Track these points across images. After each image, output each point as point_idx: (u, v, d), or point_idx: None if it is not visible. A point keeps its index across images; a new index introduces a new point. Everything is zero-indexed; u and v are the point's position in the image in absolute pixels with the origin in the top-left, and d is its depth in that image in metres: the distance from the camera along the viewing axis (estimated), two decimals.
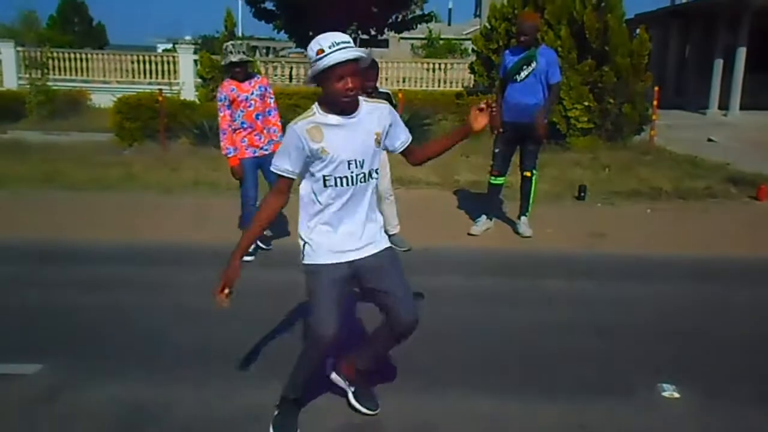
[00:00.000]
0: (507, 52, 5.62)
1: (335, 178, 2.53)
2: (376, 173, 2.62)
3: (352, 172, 2.53)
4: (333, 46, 2.39)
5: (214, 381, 3.33)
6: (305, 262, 2.64)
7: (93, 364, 3.51)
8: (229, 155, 5.11)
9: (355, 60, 2.40)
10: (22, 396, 3.18)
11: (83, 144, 10.72)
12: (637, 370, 3.48)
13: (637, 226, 6.49)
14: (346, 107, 2.50)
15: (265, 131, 5.20)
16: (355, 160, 2.53)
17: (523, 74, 5.33)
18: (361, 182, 2.57)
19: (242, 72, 5.09)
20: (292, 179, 2.57)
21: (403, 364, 3.37)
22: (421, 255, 5.23)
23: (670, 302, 4.49)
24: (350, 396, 3.02)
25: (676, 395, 3.21)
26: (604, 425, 2.97)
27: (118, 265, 5.17)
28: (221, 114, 5.09)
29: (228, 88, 5.08)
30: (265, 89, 5.20)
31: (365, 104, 2.58)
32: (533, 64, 5.30)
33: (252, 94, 5.10)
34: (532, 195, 5.80)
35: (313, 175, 2.55)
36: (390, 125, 2.65)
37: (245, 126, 5.11)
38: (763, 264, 5.29)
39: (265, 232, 5.38)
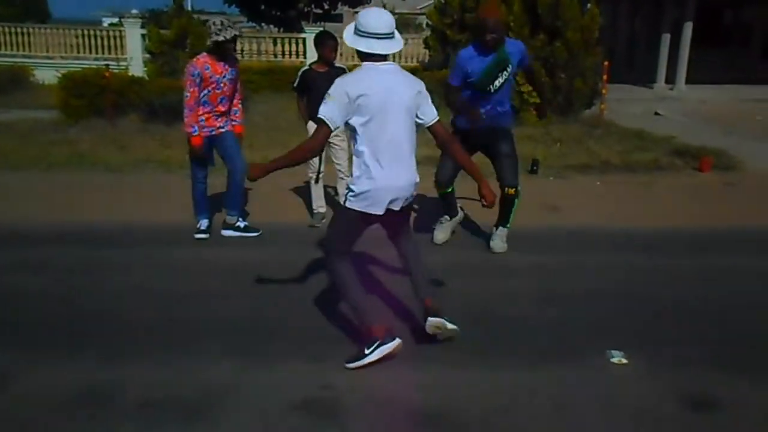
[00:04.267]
0: (471, 51, 4.68)
1: None
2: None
3: None
4: None
5: (174, 359, 3.30)
6: None
7: (44, 347, 3.44)
8: (194, 134, 4.93)
9: None
10: None
11: (26, 121, 10.31)
12: (587, 337, 3.59)
13: (588, 199, 6.65)
14: None
15: (225, 114, 5.10)
16: None
17: (497, 83, 4.65)
18: None
19: (233, 49, 4.98)
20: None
21: (351, 335, 3.44)
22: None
23: (619, 271, 4.63)
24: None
25: (624, 361, 3.32)
26: (553, 391, 3.06)
27: (67, 247, 5.04)
28: (190, 89, 4.85)
29: (203, 64, 4.87)
30: (237, 74, 5.10)
31: None
32: (509, 69, 4.66)
33: (224, 77, 4.95)
34: (513, 213, 4.97)
35: None
36: None
37: (206, 105, 4.96)
38: (705, 233, 5.49)
39: (246, 219, 5.34)
